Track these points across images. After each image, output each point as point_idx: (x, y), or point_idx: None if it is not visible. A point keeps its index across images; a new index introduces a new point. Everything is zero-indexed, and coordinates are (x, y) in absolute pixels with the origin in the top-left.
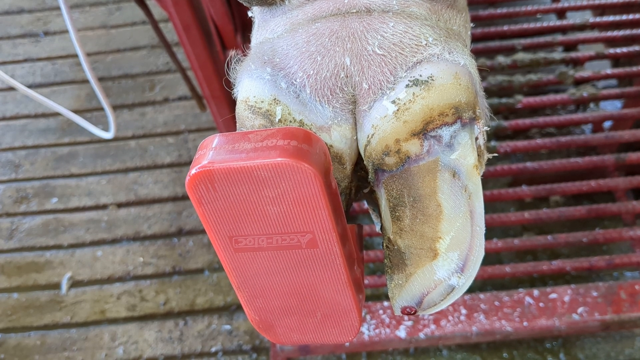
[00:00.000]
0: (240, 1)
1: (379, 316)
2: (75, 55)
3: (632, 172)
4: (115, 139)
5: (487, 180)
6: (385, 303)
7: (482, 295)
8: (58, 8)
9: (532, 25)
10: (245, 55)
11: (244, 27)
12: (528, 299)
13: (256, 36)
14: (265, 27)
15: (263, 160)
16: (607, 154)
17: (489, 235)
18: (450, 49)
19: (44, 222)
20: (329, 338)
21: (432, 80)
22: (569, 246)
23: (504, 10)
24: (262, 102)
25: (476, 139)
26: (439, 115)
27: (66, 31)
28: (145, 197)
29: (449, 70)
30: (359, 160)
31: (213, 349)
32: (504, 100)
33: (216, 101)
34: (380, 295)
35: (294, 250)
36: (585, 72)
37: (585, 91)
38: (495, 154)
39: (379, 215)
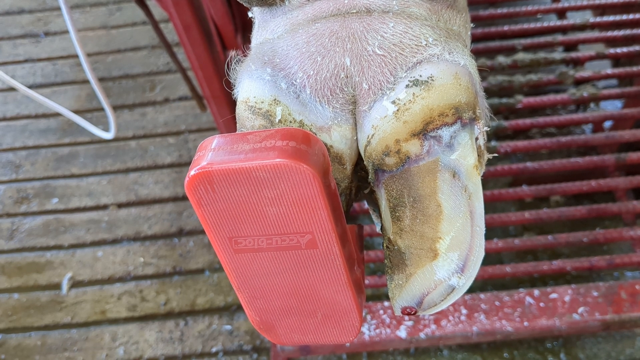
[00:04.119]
0: (241, 2)
1: (379, 316)
2: (76, 56)
3: (633, 172)
4: (115, 139)
5: (488, 180)
6: (386, 303)
7: (482, 295)
8: (58, 8)
9: (532, 25)
10: (245, 56)
11: (245, 27)
12: (528, 299)
13: (256, 37)
14: (266, 27)
15: (261, 161)
16: (608, 154)
17: (489, 235)
18: (450, 49)
19: (45, 223)
20: (330, 338)
21: (432, 80)
22: (569, 246)
23: (504, 10)
24: (262, 102)
25: (476, 139)
26: (439, 115)
27: (67, 31)
28: (145, 197)
29: (449, 70)
30: (359, 161)
31: (214, 349)
32: (504, 100)
33: (216, 101)
34: (380, 295)
35: (293, 251)
36: (585, 72)
37: (586, 91)
38: (496, 154)
39: (379, 215)
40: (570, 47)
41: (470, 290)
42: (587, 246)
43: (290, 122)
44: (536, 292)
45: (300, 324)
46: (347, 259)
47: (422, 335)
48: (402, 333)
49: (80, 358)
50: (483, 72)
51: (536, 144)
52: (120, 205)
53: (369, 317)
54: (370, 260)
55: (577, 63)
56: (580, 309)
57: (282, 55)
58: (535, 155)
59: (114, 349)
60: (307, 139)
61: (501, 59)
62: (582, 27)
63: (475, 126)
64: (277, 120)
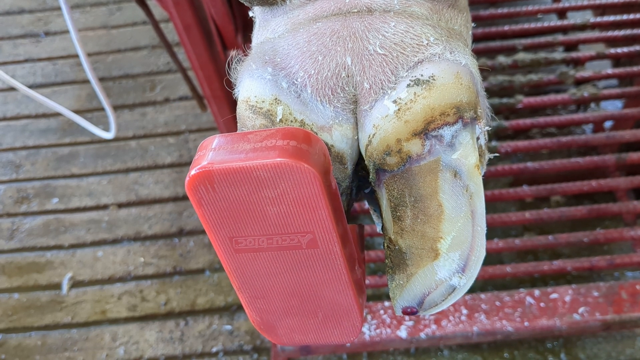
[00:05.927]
0: (241, 1)
1: (380, 316)
2: (76, 56)
3: (633, 172)
4: (115, 139)
5: (488, 180)
6: (386, 303)
7: (483, 295)
8: (59, 8)
9: (533, 25)
10: (246, 55)
11: (245, 27)
12: (529, 299)
13: (257, 36)
14: (266, 26)
15: (262, 161)
16: (608, 154)
17: (490, 235)
18: (451, 48)
19: (45, 223)
20: (331, 338)
21: (434, 79)
22: (569, 246)
23: (504, 10)
24: (263, 102)
25: (477, 138)
26: (440, 115)
27: (67, 31)
28: (146, 197)
29: (450, 69)
30: (360, 160)
31: (214, 349)
32: (504, 100)
33: (217, 101)
34: (381, 295)
35: (294, 251)
36: (586, 72)
37: (586, 91)
38: (496, 154)
39: (380, 215)
40: (570, 47)
41: (471, 290)
42: (587, 246)
43: (291, 121)
44: (537, 292)
45: (300, 324)
46: (348, 259)
47: (422, 335)
48: (402, 333)
49: (81, 358)
50: (484, 72)
51: (537, 144)
52: (120, 205)
53: (369, 317)
54: (370, 260)
55: (578, 63)
56: (581, 309)
57: (283, 55)
58: (535, 155)
59: (114, 349)
60: (308, 139)
61: (502, 59)
62: (583, 27)
63: (477, 126)
64: (278, 120)
